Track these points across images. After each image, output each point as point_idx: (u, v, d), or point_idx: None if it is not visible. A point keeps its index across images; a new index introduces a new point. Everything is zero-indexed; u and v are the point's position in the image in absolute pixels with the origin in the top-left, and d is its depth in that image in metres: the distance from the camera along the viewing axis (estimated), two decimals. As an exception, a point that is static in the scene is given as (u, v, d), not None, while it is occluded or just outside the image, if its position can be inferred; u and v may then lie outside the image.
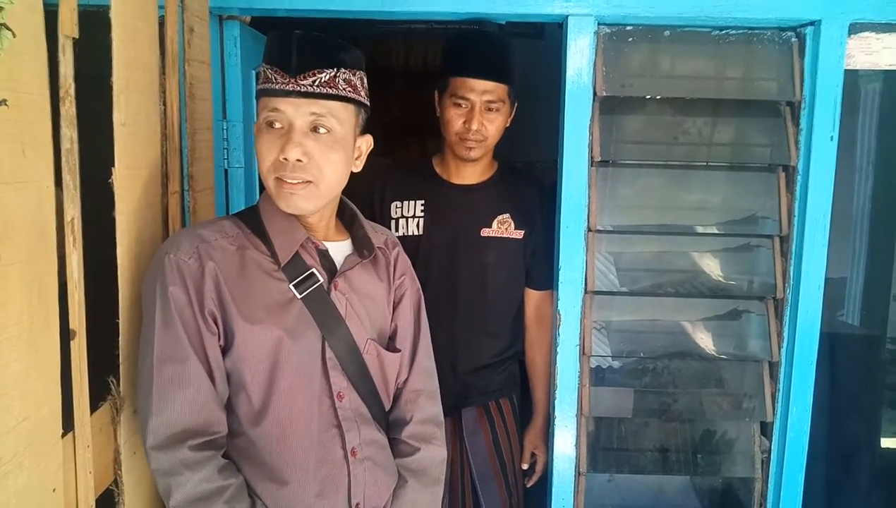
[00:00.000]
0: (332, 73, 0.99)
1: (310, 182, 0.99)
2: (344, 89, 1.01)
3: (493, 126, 1.51)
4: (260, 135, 1.01)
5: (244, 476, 0.99)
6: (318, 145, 0.99)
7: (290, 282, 1.02)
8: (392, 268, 1.19)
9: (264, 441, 1.00)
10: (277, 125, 0.99)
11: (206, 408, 0.95)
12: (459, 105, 1.49)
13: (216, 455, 0.96)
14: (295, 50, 0.98)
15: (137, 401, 0.98)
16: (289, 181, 0.99)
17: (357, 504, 1.05)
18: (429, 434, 1.16)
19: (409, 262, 1.24)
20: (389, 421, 1.16)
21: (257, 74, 1.04)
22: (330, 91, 0.99)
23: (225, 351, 0.99)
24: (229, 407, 1.00)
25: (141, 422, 0.96)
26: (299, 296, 1.02)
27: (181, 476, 0.91)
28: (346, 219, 1.17)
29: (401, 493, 1.11)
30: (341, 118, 1.01)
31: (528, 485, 1.70)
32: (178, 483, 0.91)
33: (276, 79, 0.98)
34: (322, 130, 0.99)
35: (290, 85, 0.97)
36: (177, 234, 1.03)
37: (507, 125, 1.57)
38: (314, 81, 0.98)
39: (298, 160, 0.98)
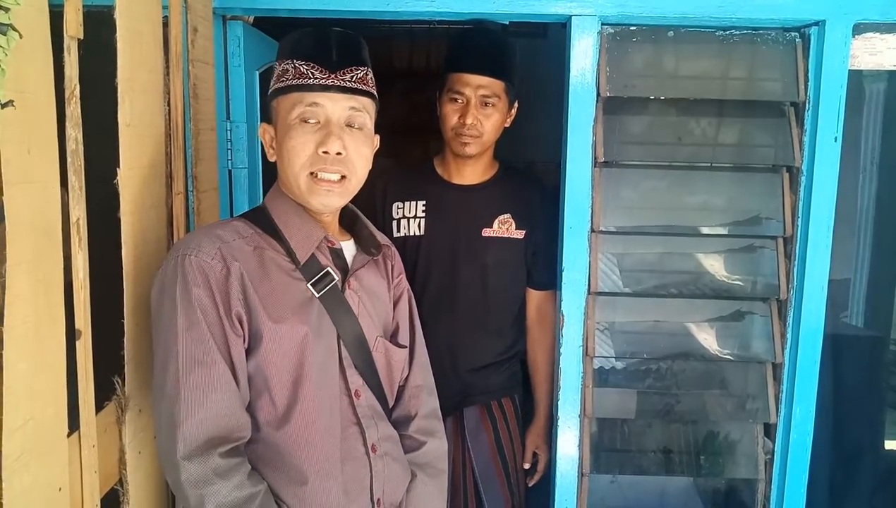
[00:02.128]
0: (365, 71, 1.03)
1: (345, 176, 1.02)
2: (372, 87, 1.05)
3: (488, 122, 1.51)
4: (290, 130, 1.00)
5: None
6: (353, 140, 1.02)
7: (308, 282, 1.02)
8: (391, 267, 1.21)
9: (288, 444, 0.98)
10: (313, 120, 1.00)
11: (232, 413, 0.93)
12: (455, 100, 1.50)
13: (244, 461, 0.94)
14: (336, 46, 1.00)
15: (158, 409, 0.94)
16: (327, 176, 1.00)
17: (378, 500, 1.06)
18: (432, 428, 1.19)
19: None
20: (393, 418, 1.17)
21: (281, 71, 1.03)
22: (364, 87, 1.03)
23: (249, 353, 0.97)
24: (249, 412, 0.98)
25: (165, 431, 0.91)
26: (317, 295, 1.03)
27: (214, 486, 0.88)
28: (346, 219, 1.18)
29: (411, 487, 1.13)
30: (371, 114, 1.06)
31: (530, 484, 1.70)
32: (211, 493, 0.88)
33: (312, 74, 0.99)
34: (356, 125, 1.03)
35: (331, 80, 0.99)
36: (192, 235, 1.01)
37: (507, 125, 1.57)
38: (352, 77, 1.01)
39: (338, 153, 1.00)
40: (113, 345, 0.99)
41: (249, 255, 0.99)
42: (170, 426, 0.90)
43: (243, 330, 0.96)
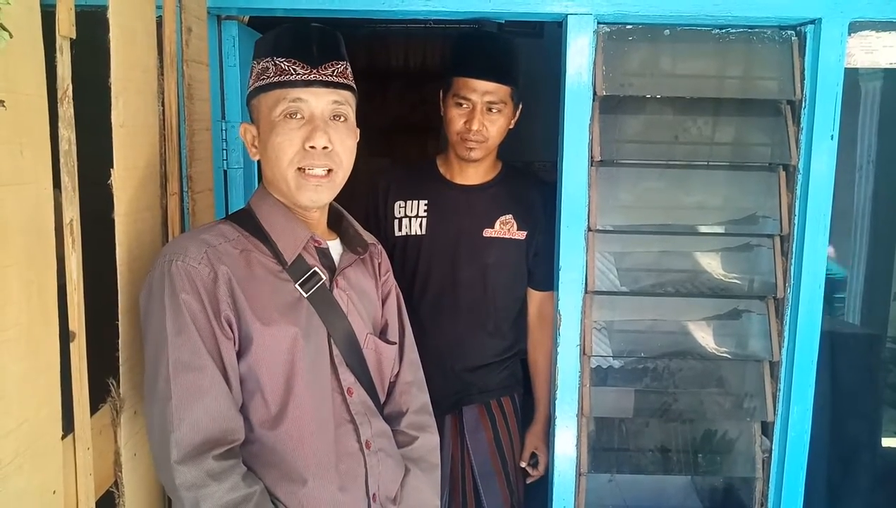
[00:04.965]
0: (345, 65, 1.05)
1: (331, 170, 1.03)
2: (352, 80, 1.07)
3: (494, 127, 1.51)
4: (275, 128, 1.01)
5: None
6: (338, 133, 1.03)
7: (296, 282, 1.03)
8: (378, 265, 1.22)
9: (282, 444, 0.98)
10: (298, 115, 1.01)
11: (225, 416, 0.93)
12: (461, 105, 1.50)
13: (238, 463, 0.95)
14: (316, 42, 1.02)
15: (150, 414, 0.94)
16: (315, 171, 1.01)
17: (374, 495, 1.07)
18: (424, 423, 1.21)
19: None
20: (384, 414, 1.18)
21: (261, 69, 1.03)
22: (345, 81, 1.05)
23: (240, 355, 0.98)
24: (242, 414, 0.98)
25: (157, 437, 0.92)
26: (305, 296, 1.03)
27: (208, 489, 0.89)
28: (332, 218, 1.19)
29: (405, 481, 1.15)
30: (352, 106, 1.08)
31: (528, 482, 1.70)
32: (206, 496, 0.89)
33: (294, 70, 1.00)
34: (341, 119, 1.04)
35: (313, 75, 1.01)
36: (178, 240, 1.01)
37: (511, 127, 1.57)
38: (333, 72, 1.03)
39: (325, 147, 1.01)
40: (108, 347, 0.99)
41: (236, 258, 1.00)
42: (163, 431, 0.91)
43: (233, 333, 0.97)
